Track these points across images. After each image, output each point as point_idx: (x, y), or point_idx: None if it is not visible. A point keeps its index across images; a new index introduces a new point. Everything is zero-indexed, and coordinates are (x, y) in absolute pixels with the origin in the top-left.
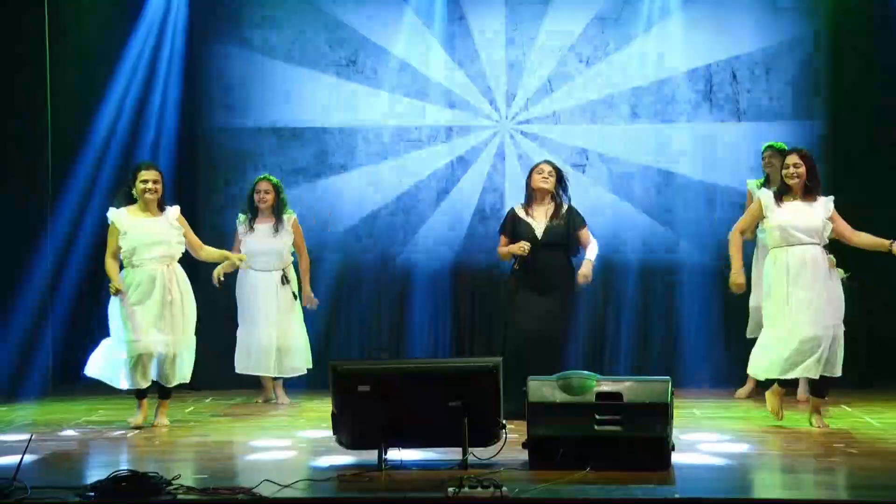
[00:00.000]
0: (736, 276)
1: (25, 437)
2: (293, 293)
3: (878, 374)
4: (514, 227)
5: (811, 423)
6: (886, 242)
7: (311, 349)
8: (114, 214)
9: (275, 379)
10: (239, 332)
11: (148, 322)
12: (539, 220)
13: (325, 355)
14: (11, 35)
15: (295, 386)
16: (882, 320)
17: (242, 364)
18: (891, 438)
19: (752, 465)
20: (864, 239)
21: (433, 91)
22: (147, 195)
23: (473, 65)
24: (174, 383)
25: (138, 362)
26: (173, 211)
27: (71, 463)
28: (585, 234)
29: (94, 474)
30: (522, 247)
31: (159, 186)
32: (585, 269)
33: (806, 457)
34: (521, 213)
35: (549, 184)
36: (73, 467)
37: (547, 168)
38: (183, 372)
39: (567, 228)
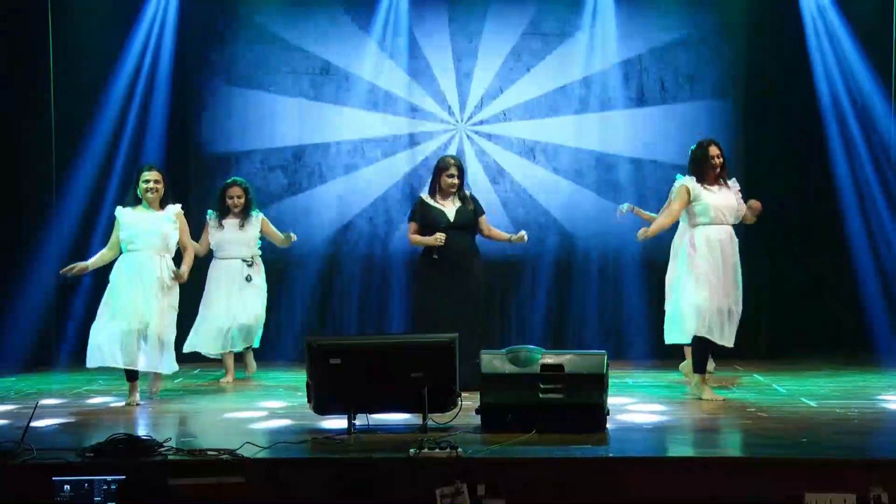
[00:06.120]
0: (645, 231)
1: (31, 404)
2: (248, 275)
3: (783, 347)
4: (424, 214)
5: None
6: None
7: (295, 329)
8: (119, 211)
9: (245, 350)
10: (201, 313)
11: (131, 304)
12: (449, 206)
13: (302, 332)
14: (16, 40)
15: (273, 358)
16: (787, 299)
17: (214, 347)
18: (795, 403)
19: (675, 427)
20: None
21: (395, 104)
22: (148, 194)
23: (428, 77)
24: (160, 370)
25: (120, 340)
26: (173, 208)
27: (72, 427)
28: (485, 219)
29: (93, 438)
30: (438, 238)
31: (160, 186)
32: (522, 234)
33: (723, 419)
34: (430, 200)
35: (456, 186)
36: (74, 431)
37: (455, 172)
38: (166, 360)
39: (473, 214)
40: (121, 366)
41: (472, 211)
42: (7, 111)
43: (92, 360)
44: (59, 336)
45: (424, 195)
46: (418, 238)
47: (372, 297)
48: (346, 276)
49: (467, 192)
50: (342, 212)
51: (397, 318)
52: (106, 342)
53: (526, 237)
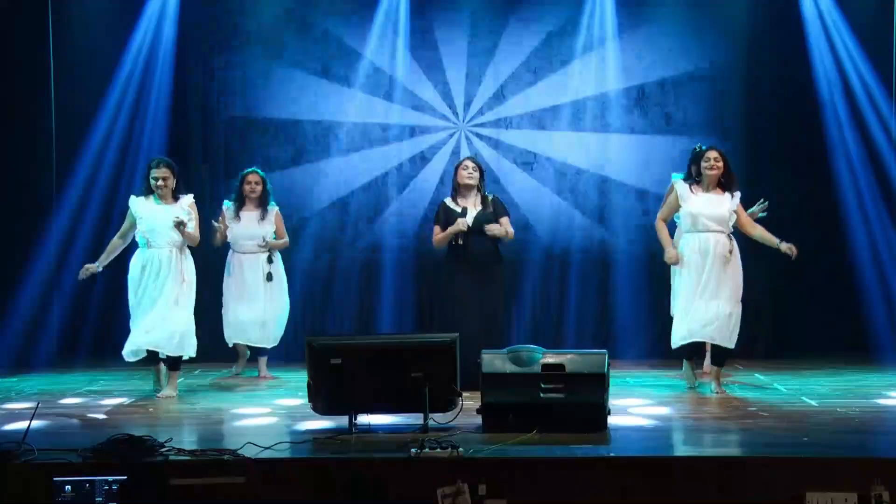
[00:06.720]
0: (668, 253)
1: (33, 404)
2: (268, 273)
3: (784, 346)
4: (446, 217)
5: (712, 389)
6: (775, 241)
7: (296, 329)
8: (132, 201)
9: (259, 355)
10: (225, 310)
11: (152, 298)
12: (469, 209)
13: (301, 331)
14: (16, 40)
15: (274, 358)
16: (787, 299)
17: (234, 336)
18: (796, 402)
19: (676, 427)
20: (758, 232)
21: (399, 94)
22: (158, 191)
23: (436, 72)
24: (173, 354)
25: (145, 335)
26: (186, 199)
27: (73, 428)
28: (506, 221)
29: (94, 438)
30: (461, 223)
31: (169, 181)
32: (504, 226)
33: (723, 419)
34: (451, 204)
35: (474, 179)
36: (76, 432)
37: (471, 165)
38: (184, 346)
39: (494, 216)
40: (143, 355)
41: (491, 214)
42: (7, 111)
43: (128, 355)
44: (59, 336)
45: (447, 199)
46: (440, 236)
47: (368, 294)
48: (344, 272)
49: (489, 196)
50: (334, 195)
51: (383, 309)
52: (135, 339)
53: (510, 234)
